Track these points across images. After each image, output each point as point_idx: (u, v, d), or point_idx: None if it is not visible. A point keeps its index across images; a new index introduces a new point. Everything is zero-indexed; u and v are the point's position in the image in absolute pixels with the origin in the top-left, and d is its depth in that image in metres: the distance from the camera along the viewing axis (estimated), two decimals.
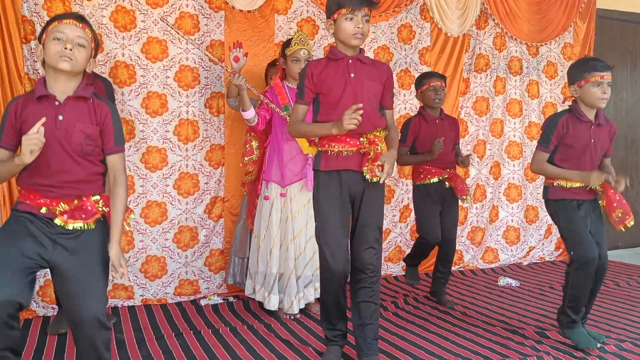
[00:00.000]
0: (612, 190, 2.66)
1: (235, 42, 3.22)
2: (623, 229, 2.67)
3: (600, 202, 2.74)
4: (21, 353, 1.96)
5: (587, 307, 2.86)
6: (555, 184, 2.78)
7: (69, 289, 1.92)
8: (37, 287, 3.23)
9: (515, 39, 4.69)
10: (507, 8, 4.59)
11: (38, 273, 2.81)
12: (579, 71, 2.71)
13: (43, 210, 1.92)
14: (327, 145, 2.40)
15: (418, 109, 3.59)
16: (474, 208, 4.62)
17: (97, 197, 2.00)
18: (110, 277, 3.48)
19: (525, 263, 4.71)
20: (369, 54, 4.17)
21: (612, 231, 2.78)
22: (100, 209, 1.99)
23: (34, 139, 1.79)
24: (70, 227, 1.92)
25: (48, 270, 1.97)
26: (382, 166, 2.29)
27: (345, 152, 2.37)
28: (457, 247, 4.47)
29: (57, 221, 1.91)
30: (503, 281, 4.08)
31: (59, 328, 2.90)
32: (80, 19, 1.98)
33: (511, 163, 4.73)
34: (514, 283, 4.05)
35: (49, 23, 1.97)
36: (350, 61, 2.39)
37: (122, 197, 2.01)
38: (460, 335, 2.94)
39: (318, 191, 2.43)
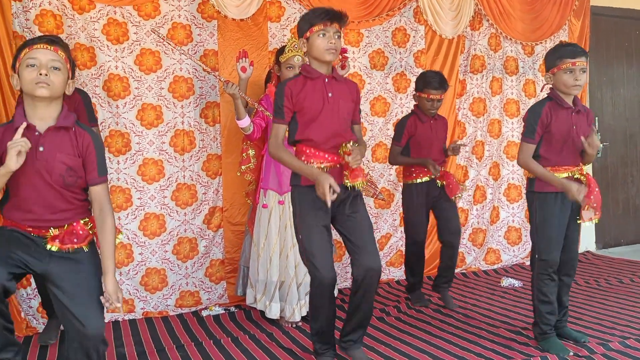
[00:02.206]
0: (593, 184, 2.64)
1: (241, 52, 3.21)
2: (587, 223, 2.66)
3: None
4: (11, 322, 1.97)
5: (565, 303, 2.83)
6: None
7: (69, 305, 1.90)
8: (36, 305, 3.22)
9: (510, 39, 4.68)
10: (501, 8, 4.58)
11: (36, 289, 2.79)
12: (552, 58, 2.68)
13: (33, 236, 1.92)
14: (305, 162, 2.42)
15: (413, 107, 3.57)
16: (474, 209, 4.60)
17: (87, 220, 1.99)
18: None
19: (527, 263, 4.67)
20: (364, 58, 4.17)
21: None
22: (90, 231, 1.99)
23: (20, 141, 1.78)
24: (65, 249, 1.92)
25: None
26: (350, 153, 2.34)
27: (325, 168, 2.41)
28: (459, 249, 4.46)
29: (50, 247, 1.90)
30: (506, 282, 4.06)
31: (48, 339, 2.90)
32: (51, 41, 1.94)
33: (510, 163, 4.71)
34: (517, 283, 4.03)
35: (20, 50, 1.93)
36: (327, 80, 2.44)
37: (111, 227, 1.98)
38: (463, 338, 2.91)
39: (300, 205, 2.44)
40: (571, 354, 2.62)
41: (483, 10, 4.52)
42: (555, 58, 2.66)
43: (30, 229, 1.92)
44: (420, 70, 4.31)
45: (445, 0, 4.37)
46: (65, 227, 1.94)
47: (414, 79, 4.23)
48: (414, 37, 4.35)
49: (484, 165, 4.64)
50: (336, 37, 2.38)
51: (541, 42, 4.81)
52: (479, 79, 4.61)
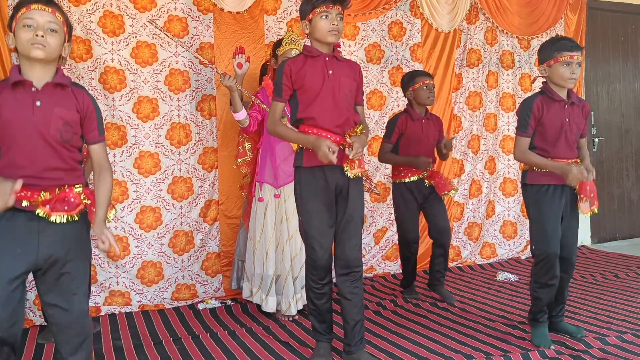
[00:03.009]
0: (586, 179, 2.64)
1: (237, 48, 3.18)
2: (588, 215, 2.66)
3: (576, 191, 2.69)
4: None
5: (562, 299, 2.84)
6: (534, 168, 2.73)
7: (54, 285, 1.87)
8: (32, 297, 3.20)
9: (507, 33, 4.68)
10: (498, 2, 4.58)
11: (32, 282, 2.78)
12: (548, 50, 2.68)
13: (24, 203, 1.84)
14: None
15: (405, 106, 3.58)
16: (470, 203, 4.61)
17: (80, 189, 1.93)
18: (107, 284, 3.46)
19: (523, 257, 4.69)
20: (360, 52, 4.16)
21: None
22: (83, 201, 1.92)
23: (5, 199, 1.75)
24: (53, 218, 1.84)
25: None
26: (352, 145, 2.35)
27: None
28: (455, 243, 4.49)
29: (39, 212, 1.83)
30: (502, 276, 4.07)
31: (48, 338, 2.89)
32: (48, 2, 1.89)
33: (506, 157, 4.72)
34: (512, 277, 4.04)
35: (16, 9, 1.89)
36: (327, 58, 2.45)
37: (108, 180, 1.97)
38: (460, 332, 2.92)
39: (301, 187, 2.48)
40: (552, 347, 2.63)
41: (479, 4, 4.52)
42: (552, 50, 2.66)
43: (22, 194, 1.83)
44: (417, 64, 4.32)
45: None
46: (57, 192, 1.88)
47: None
48: (410, 30, 4.34)
49: (480, 159, 4.64)
50: (338, 19, 2.39)
51: (537, 36, 4.81)
52: (475, 72, 4.61)
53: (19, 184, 1.77)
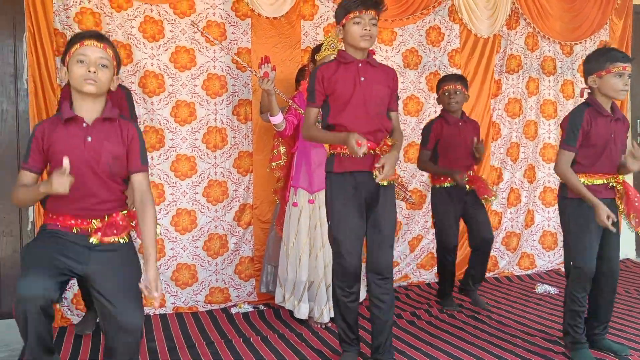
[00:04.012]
0: (632, 191, 2.54)
1: (263, 57, 3.15)
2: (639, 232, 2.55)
3: (618, 202, 2.60)
4: (53, 349, 1.97)
5: (606, 317, 2.73)
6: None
7: (109, 299, 1.93)
8: (71, 296, 3.27)
9: (548, 39, 4.56)
10: (539, 7, 4.47)
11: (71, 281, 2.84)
12: (599, 61, 2.57)
13: (74, 230, 1.95)
14: (339, 148, 2.43)
15: (440, 111, 3.54)
16: (508, 212, 4.50)
17: (125, 212, 2.04)
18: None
19: (563, 269, 4.54)
20: (397, 57, 4.12)
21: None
22: (129, 223, 2.03)
23: (64, 182, 1.80)
24: (105, 241, 1.95)
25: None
26: (382, 167, 2.32)
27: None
28: (492, 254, 4.37)
29: (92, 240, 1.94)
30: (541, 288, 3.95)
31: (84, 329, 2.96)
32: (100, 37, 1.99)
33: (546, 166, 4.59)
34: (552, 290, 3.92)
35: (70, 44, 1.98)
36: (360, 64, 2.43)
37: (152, 216, 2.01)
38: (497, 346, 2.84)
39: (332, 192, 2.47)
40: None
41: (520, 9, 4.42)
42: (604, 61, 2.55)
43: (73, 222, 1.95)
44: (455, 70, 4.25)
45: None
46: (106, 219, 1.97)
47: None
48: (448, 36, 4.28)
49: (519, 167, 4.53)
50: (372, 23, 2.37)
51: (580, 42, 4.68)
52: (515, 79, 4.51)
53: (66, 161, 1.83)
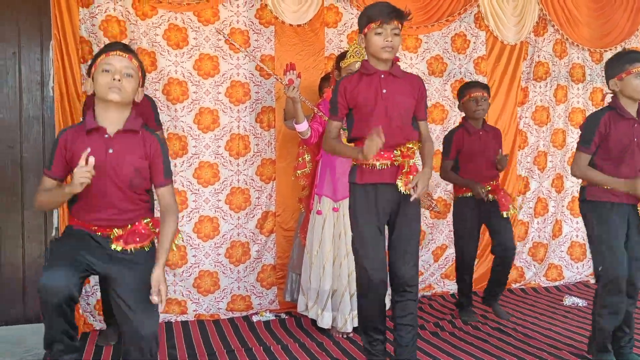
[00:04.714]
0: None
1: (288, 65, 3.13)
2: None
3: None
4: (76, 337, 1.99)
5: (629, 329, 2.63)
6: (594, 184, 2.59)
7: (127, 305, 1.95)
8: (94, 302, 3.29)
9: (577, 45, 4.47)
10: (567, 13, 4.39)
11: (94, 287, 2.87)
12: (619, 63, 2.55)
13: (99, 234, 1.98)
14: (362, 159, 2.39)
15: (460, 120, 3.49)
16: (535, 223, 4.40)
17: (148, 220, 2.04)
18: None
19: (592, 281, 4.43)
20: (422, 64, 4.08)
21: None
22: (152, 230, 2.03)
23: (85, 172, 1.82)
24: (128, 250, 1.97)
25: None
26: (415, 187, 2.29)
27: (380, 166, 2.37)
28: (518, 264, 4.30)
29: (115, 247, 1.95)
30: (569, 300, 3.85)
31: (108, 341, 2.95)
32: (126, 49, 2.02)
33: None
34: (580, 303, 3.81)
35: (97, 57, 2.02)
36: (383, 76, 2.39)
37: (173, 224, 2.02)
38: (522, 359, 2.76)
39: (355, 203, 2.44)
40: None
41: (548, 16, 4.34)
42: (623, 62, 2.53)
43: (96, 228, 1.98)
44: (481, 77, 4.19)
45: (508, 5, 4.23)
46: (128, 227, 1.99)
47: None
48: (474, 43, 4.22)
49: (547, 176, 4.44)
50: (394, 34, 2.32)
51: (610, 49, 4.57)
52: (543, 86, 4.42)
53: (91, 159, 1.85)
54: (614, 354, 2.61)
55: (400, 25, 2.35)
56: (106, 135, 1.97)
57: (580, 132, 2.64)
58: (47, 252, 2.03)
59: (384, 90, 2.37)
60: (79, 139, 1.97)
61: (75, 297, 1.88)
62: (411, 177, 2.32)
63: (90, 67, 2.04)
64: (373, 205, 2.39)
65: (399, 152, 2.36)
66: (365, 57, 2.47)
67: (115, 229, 1.98)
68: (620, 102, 2.55)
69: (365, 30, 2.36)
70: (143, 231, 2.01)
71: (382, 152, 2.34)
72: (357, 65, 3.06)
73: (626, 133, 2.53)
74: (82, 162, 1.84)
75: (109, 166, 1.95)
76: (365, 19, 2.36)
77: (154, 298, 1.90)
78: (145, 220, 2.03)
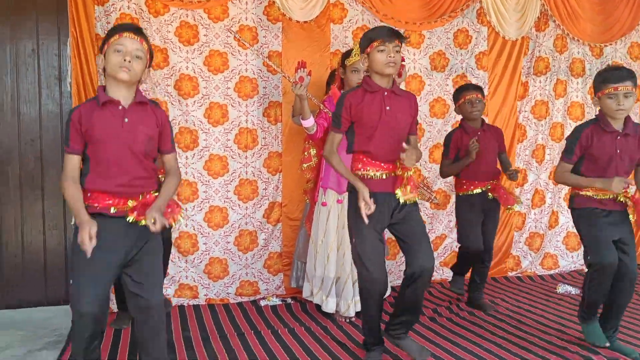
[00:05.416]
0: None
1: (300, 62, 3.25)
2: None
3: (630, 216, 2.72)
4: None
5: (616, 322, 2.82)
6: (582, 193, 2.78)
7: (138, 277, 2.10)
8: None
9: (578, 40, 4.57)
10: (569, 8, 4.47)
11: None
12: (597, 82, 2.74)
13: (112, 210, 2.07)
14: (362, 169, 2.54)
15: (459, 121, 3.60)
16: (532, 213, 4.55)
17: (156, 193, 2.16)
18: (177, 277, 3.67)
19: (586, 270, 4.57)
20: (424, 60, 4.20)
21: None
22: None
23: (87, 242, 1.93)
24: (142, 223, 2.07)
25: None
26: (406, 151, 2.41)
27: (379, 176, 2.52)
28: (515, 253, 4.47)
29: (130, 218, 2.07)
30: (562, 289, 4.01)
31: (121, 324, 3.11)
32: (138, 31, 2.14)
33: None
34: (573, 291, 3.97)
35: (109, 35, 2.13)
36: (386, 93, 2.52)
37: (175, 180, 2.20)
38: (515, 344, 2.94)
39: (355, 208, 2.50)
40: (606, 345, 2.74)
41: (550, 11, 4.43)
42: (598, 82, 2.71)
43: (111, 202, 2.07)
44: (482, 73, 4.30)
45: (510, 1, 4.32)
46: (140, 198, 2.11)
47: (474, 80, 4.24)
48: (476, 38, 4.33)
49: (544, 169, 4.57)
50: (395, 50, 2.46)
51: (611, 44, 4.67)
52: (543, 81, 4.53)
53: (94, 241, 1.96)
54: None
55: (400, 44, 2.50)
56: (120, 107, 2.10)
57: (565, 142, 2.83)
58: (70, 257, 2.14)
59: (388, 108, 2.50)
60: (94, 112, 2.08)
61: (104, 330, 2.07)
62: (409, 187, 2.47)
63: (103, 43, 2.16)
64: (375, 211, 2.46)
65: (399, 164, 2.49)
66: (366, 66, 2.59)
67: (129, 201, 2.09)
68: (604, 115, 2.72)
69: (368, 49, 2.49)
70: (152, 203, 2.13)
71: (382, 164, 2.51)
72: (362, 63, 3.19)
73: (608, 145, 2.69)
74: (92, 234, 1.95)
75: (125, 135, 2.08)
76: (368, 40, 2.50)
77: (152, 227, 2.00)
78: (154, 193, 2.15)
